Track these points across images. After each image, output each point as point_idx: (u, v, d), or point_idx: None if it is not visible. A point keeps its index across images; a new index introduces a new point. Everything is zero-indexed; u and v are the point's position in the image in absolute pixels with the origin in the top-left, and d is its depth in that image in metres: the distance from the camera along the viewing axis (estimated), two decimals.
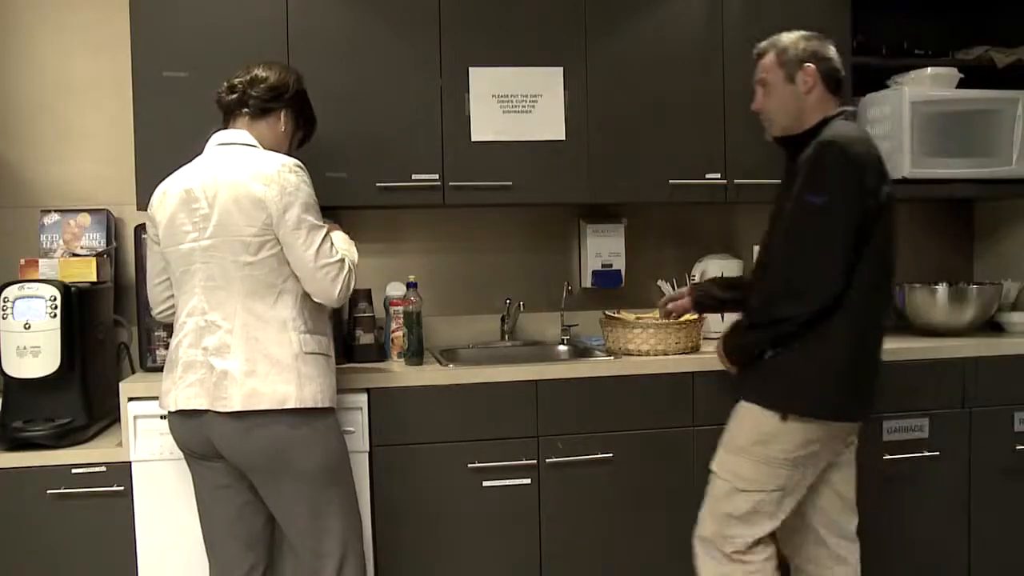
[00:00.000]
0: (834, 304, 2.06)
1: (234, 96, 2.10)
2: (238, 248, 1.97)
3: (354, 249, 2.20)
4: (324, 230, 2.02)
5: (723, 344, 2.27)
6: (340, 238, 2.18)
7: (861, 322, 2.11)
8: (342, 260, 2.03)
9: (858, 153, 2.07)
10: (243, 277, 1.99)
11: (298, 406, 1.97)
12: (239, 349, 1.97)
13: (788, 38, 2.24)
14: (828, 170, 2.06)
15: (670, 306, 2.54)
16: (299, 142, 2.28)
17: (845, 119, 2.21)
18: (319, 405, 2.00)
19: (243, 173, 1.97)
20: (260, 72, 2.12)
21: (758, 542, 2.20)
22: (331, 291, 2.00)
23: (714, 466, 2.27)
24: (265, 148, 2.09)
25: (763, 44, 2.28)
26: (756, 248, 2.46)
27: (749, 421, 2.19)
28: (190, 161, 2.10)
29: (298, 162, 2.05)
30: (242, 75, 2.12)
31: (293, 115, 2.17)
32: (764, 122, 2.29)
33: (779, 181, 2.88)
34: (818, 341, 2.09)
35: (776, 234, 2.19)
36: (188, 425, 2.05)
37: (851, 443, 2.30)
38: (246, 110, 2.10)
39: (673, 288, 3.13)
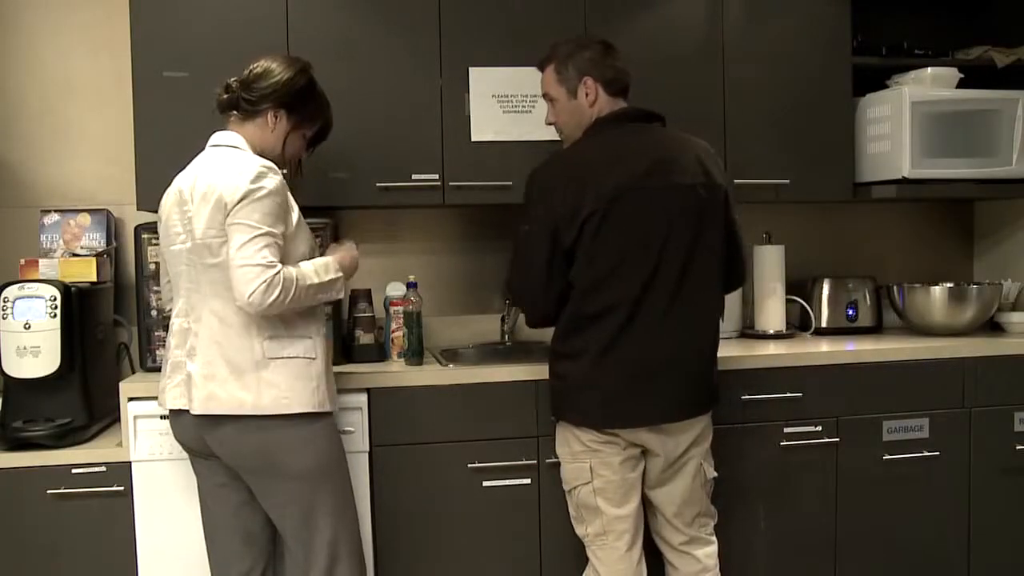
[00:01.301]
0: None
1: (226, 97, 2.09)
2: (204, 250, 1.98)
3: (329, 274, 2.04)
4: (258, 233, 1.91)
5: None
6: (319, 263, 2.05)
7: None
8: (268, 268, 1.90)
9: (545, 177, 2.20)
10: (210, 280, 1.99)
11: (254, 413, 1.96)
12: (202, 353, 1.99)
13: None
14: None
15: None
16: (310, 141, 2.20)
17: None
18: (282, 412, 1.97)
19: (216, 176, 1.97)
20: (257, 68, 2.08)
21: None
22: (242, 292, 1.88)
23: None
24: (256, 149, 2.07)
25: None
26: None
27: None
28: (190, 161, 2.11)
29: (271, 165, 2.00)
30: (242, 74, 2.09)
31: (287, 113, 2.10)
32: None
33: (780, 181, 2.91)
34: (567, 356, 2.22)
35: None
36: (181, 424, 2.08)
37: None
38: (236, 112, 2.08)
39: None
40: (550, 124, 2.36)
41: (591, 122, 2.23)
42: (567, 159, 2.23)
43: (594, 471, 2.20)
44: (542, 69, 2.31)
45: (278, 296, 1.90)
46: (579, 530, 2.30)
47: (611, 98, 2.25)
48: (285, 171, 2.12)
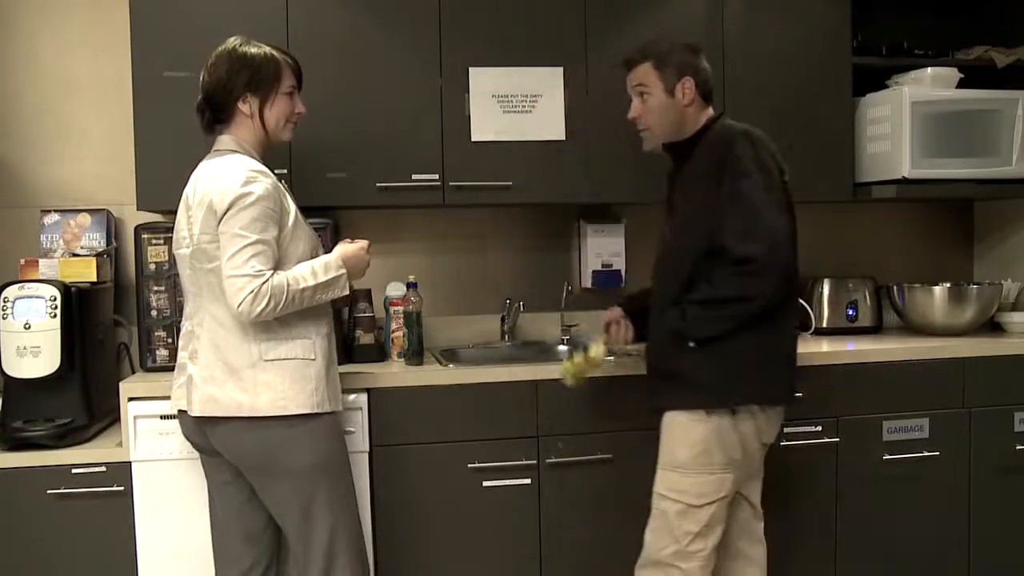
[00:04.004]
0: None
1: (204, 119, 2.09)
2: (202, 255, 2.01)
3: (330, 273, 2.03)
4: (247, 242, 1.92)
5: (682, 317, 2.15)
6: (318, 263, 2.04)
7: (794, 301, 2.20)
8: (255, 277, 1.90)
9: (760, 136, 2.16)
10: (208, 284, 2.02)
11: (251, 415, 1.97)
12: (202, 355, 2.03)
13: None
14: (755, 151, 2.13)
15: (618, 336, 2.44)
16: (288, 92, 2.10)
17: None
18: (279, 413, 1.98)
19: (209, 182, 1.99)
20: (202, 83, 2.07)
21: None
22: (232, 303, 1.91)
23: (661, 489, 2.22)
24: (255, 142, 2.08)
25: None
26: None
27: (681, 432, 2.18)
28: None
29: (261, 169, 2.01)
30: (198, 96, 2.09)
31: (251, 92, 2.05)
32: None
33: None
34: (770, 323, 2.13)
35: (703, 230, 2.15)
36: (186, 423, 2.12)
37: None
38: (218, 124, 2.09)
39: None
40: (633, 118, 2.28)
41: (709, 120, 2.24)
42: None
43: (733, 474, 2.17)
44: (635, 64, 2.25)
45: (267, 305, 1.92)
46: (692, 546, 2.16)
47: (703, 103, 2.25)
48: (283, 171, 2.11)
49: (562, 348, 3.02)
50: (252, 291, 1.90)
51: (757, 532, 2.35)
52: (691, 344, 2.13)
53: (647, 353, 2.35)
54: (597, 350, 2.37)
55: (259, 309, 1.91)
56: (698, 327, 2.12)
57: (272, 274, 1.94)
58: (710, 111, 2.26)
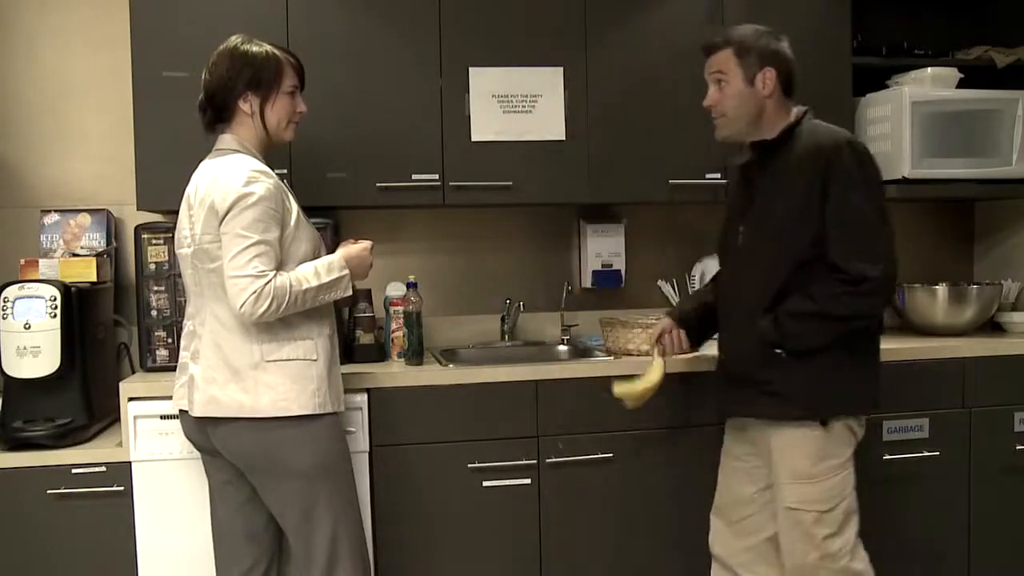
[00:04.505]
0: None
1: (206, 118, 2.09)
2: (203, 255, 2.01)
3: (332, 274, 2.03)
4: (249, 242, 1.92)
5: (777, 328, 2.11)
6: (321, 263, 2.05)
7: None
8: (258, 278, 1.91)
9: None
10: (210, 284, 2.02)
11: (253, 416, 1.97)
12: (204, 355, 2.03)
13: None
14: (868, 167, 2.09)
15: (673, 346, 2.41)
16: (295, 88, 2.12)
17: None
18: (280, 414, 1.98)
19: (210, 182, 1.99)
20: (203, 82, 2.07)
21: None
22: (234, 303, 1.92)
23: (791, 503, 2.16)
24: (256, 141, 2.08)
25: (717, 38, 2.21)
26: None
27: (796, 444, 2.13)
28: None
29: (262, 169, 2.01)
30: (199, 95, 2.09)
31: (252, 91, 2.04)
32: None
33: None
34: (866, 336, 2.14)
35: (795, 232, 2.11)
36: (187, 423, 2.12)
37: None
38: (220, 123, 2.09)
39: (674, 288, 3.14)
40: (708, 106, 2.22)
41: (796, 117, 2.17)
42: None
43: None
44: (715, 50, 2.19)
45: (269, 306, 1.92)
46: (835, 545, 2.13)
47: (785, 96, 2.17)
48: (283, 171, 2.11)
49: (562, 348, 3.02)
50: (255, 292, 1.90)
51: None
52: (779, 352, 2.10)
53: (722, 357, 2.30)
54: (657, 370, 2.35)
55: (262, 310, 1.91)
56: (799, 340, 2.08)
57: (275, 275, 1.94)
58: (793, 107, 2.18)
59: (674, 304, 3.10)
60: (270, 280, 1.92)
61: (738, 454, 2.32)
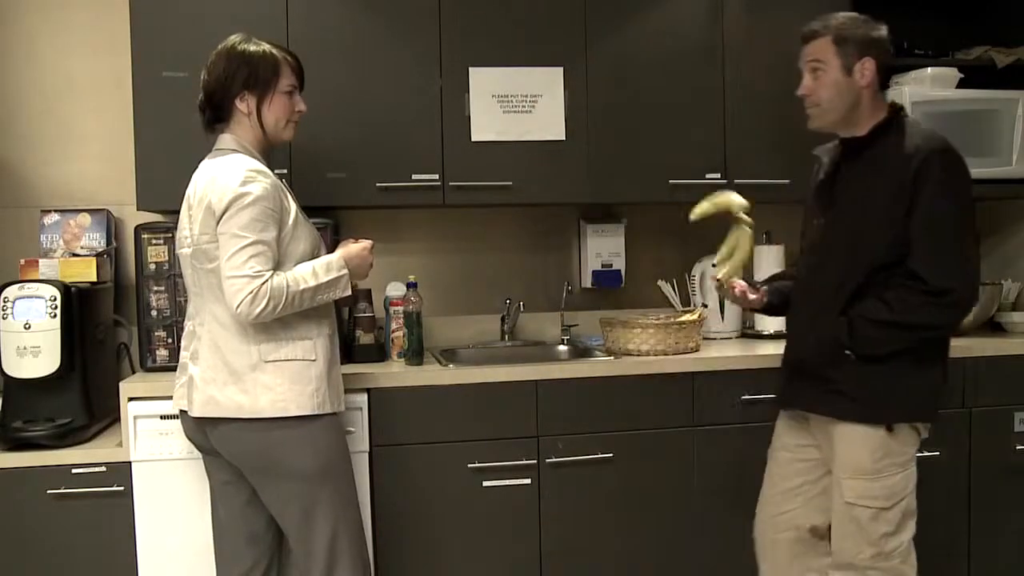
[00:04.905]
0: None
1: (205, 117, 2.09)
2: (202, 255, 2.01)
3: (331, 273, 2.03)
4: (245, 242, 1.91)
5: (851, 331, 2.08)
6: (320, 263, 2.04)
7: None
8: (254, 278, 1.91)
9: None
10: (209, 284, 2.02)
11: (252, 416, 1.97)
12: (203, 356, 2.03)
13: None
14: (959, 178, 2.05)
15: (739, 292, 2.35)
16: (294, 88, 2.11)
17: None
18: (279, 415, 1.98)
19: (208, 182, 1.99)
20: (202, 81, 2.07)
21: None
22: (231, 303, 1.92)
23: (850, 498, 2.13)
24: (254, 140, 2.08)
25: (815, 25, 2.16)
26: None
27: (860, 441, 2.11)
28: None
29: (260, 169, 2.00)
30: (199, 94, 2.09)
31: (248, 91, 2.04)
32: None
33: (780, 181, 2.90)
34: (938, 345, 2.11)
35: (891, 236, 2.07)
36: (187, 423, 2.12)
37: None
38: (219, 122, 2.09)
39: (674, 288, 3.14)
40: (802, 95, 2.18)
41: (889, 115, 2.13)
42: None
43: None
44: (814, 38, 2.14)
45: (266, 306, 1.91)
46: (890, 545, 2.11)
47: (880, 89, 2.13)
48: (283, 171, 2.11)
49: (562, 348, 3.02)
50: (251, 292, 1.90)
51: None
52: (848, 353, 2.09)
53: (788, 348, 2.29)
54: (746, 238, 2.30)
55: (258, 310, 1.91)
56: (871, 345, 2.07)
57: (271, 275, 1.94)
58: (885, 103, 2.14)
59: (674, 304, 3.10)
60: (266, 280, 1.92)
61: (792, 446, 2.29)
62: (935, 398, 2.15)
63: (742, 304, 2.38)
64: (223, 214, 1.94)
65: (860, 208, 2.10)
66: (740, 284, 2.34)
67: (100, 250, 2.75)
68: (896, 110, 2.15)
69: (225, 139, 2.08)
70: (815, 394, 2.17)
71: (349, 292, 2.09)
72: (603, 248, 3.10)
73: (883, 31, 2.14)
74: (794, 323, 2.28)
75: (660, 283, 3.13)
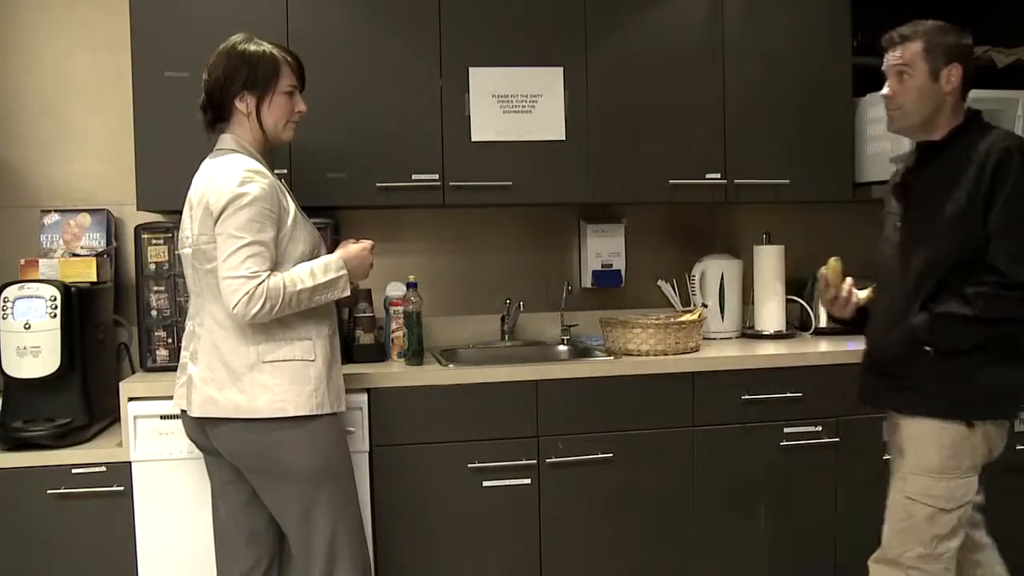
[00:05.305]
0: None
1: (206, 118, 2.09)
2: (201, 256, 2.01)
3: (329, 274, 2.02)
4: (242, 243, 1.92)
5: (930, 328, 2.07)
6: (318, 264, 2.04)
7: None
8: (250, 279, 1.91)
9: None
10: (208, 285, 2.02)
11: (250, 416, 1.97)
12: (202, 355, 2.03)
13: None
14: None
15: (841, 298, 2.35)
16: (295, 88, 2.11)
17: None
18: (277, 415, 1.98)
19: (207, 182, 2.00)
20: (203, 82, 2.07)
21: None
22: (228, 304, 1.92)
23: (912, 494, 2.14)
24: (254, 140, 2.08)
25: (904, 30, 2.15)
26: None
27: (930, 437, 2.11)
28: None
29: (258, 169, 2.00)
30: (200, 96, 2.09)
31: (248, 91, 2.04)
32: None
33: (780, 181, 2.91)
34: (1011, 342, 2.10)
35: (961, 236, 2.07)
36: (187, 423, 2.13)
37: None
38: (219, 123, 2.09)
39: (674, 288, 3.13)
40: (886, 96, 2.17)
41: (968, 115, 2.13)
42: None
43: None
44: (903, 42, 2.15)
45: (262, 307, 1.91)
46: (940, 548, 2.11)
47: (962, 96, 2.13)
48: (283, 171, 2.11)
49: (562, 348, 3.02)
50: (247, 292, 1.90)
51: (982, 523, 2.36)
52: (928, 350, 2.08)
53: (868, 347, 2.28)
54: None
55: (254, 311, 1.91)
56: (950, 340, 2.07)
57: (268, 276, 1.93)
58: (963, 109, 2.14)
59: (674, 304, 3.10)
60: (263, 281, 1.92)
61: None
62: (1012, 394, 2.14)
63: (838, 301, 2.35)
64: (221, 214, 1.94)
65: (937, 209, 2.10)
66: (849, 282, 2.34)
67: (100, 250, 2.75)
68: (974, 114, 2.15)
69: (225, 139, 2.08)
70: (893, 392, 2.17)
71: (348, 293, 2.09)
72: (603, 248, 3.10)
73: (969, 39, 2.15)
74: (874, 322, 2.28)
75: (660, 283, 3.13)
